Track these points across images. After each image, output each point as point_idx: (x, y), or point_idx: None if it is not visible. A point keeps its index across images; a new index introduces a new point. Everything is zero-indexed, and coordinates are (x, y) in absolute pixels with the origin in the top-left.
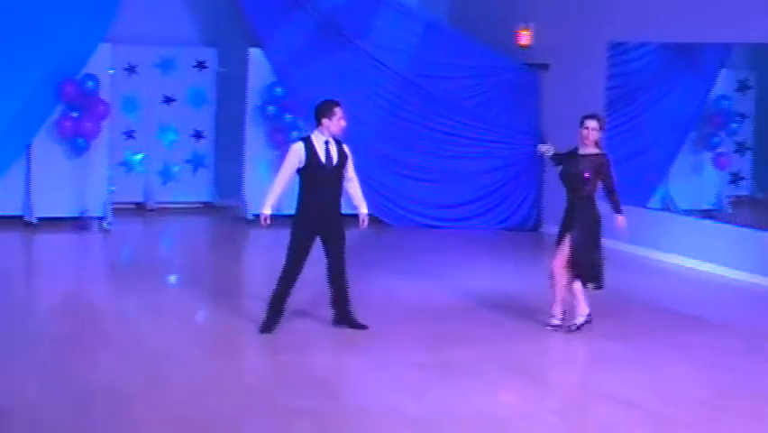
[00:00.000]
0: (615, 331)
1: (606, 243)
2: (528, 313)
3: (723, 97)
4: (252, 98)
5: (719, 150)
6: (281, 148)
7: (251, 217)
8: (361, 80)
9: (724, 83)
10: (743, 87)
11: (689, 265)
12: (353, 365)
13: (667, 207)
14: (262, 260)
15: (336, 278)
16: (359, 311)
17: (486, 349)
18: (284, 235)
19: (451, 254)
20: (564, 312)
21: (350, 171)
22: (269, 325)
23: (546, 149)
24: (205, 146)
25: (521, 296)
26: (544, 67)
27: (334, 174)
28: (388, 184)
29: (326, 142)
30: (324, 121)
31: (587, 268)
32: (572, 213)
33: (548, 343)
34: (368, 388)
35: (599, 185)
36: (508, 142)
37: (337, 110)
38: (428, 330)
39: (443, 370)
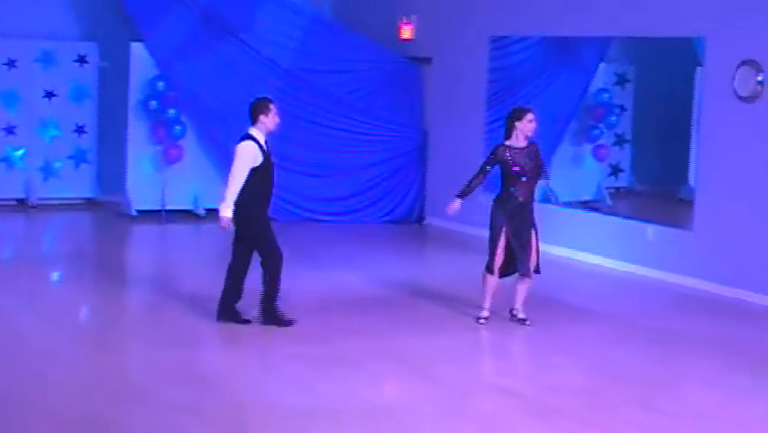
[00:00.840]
0: (499, 322)
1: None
2: (414, 305)
3: (602, 90)
4: (134, 93)
5: (599, 142)
6: (164, 143)
7: (134, 213)
8: (245, 74)
9: (603, 76)
10: (622, 80)
11: (569, 256)
12: (237, 360)
13: (548, 198)
14: (146, 256)
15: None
16: (245, 304)
17: (372, 341)
18: (167, 231)
19: (335, 248)
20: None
21: None
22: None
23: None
24: (87, 141)
25: (406, 288)
26: (427, 60)
27: (273, 170)
28: None
29: (266, 141)
30: (262, 117)
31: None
32: (527, 205)
33: (435, 334)
34: (251, 382)
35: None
36: (392, 136)
37: (272, 107)
38: (314, 323)
39: (329, 362)
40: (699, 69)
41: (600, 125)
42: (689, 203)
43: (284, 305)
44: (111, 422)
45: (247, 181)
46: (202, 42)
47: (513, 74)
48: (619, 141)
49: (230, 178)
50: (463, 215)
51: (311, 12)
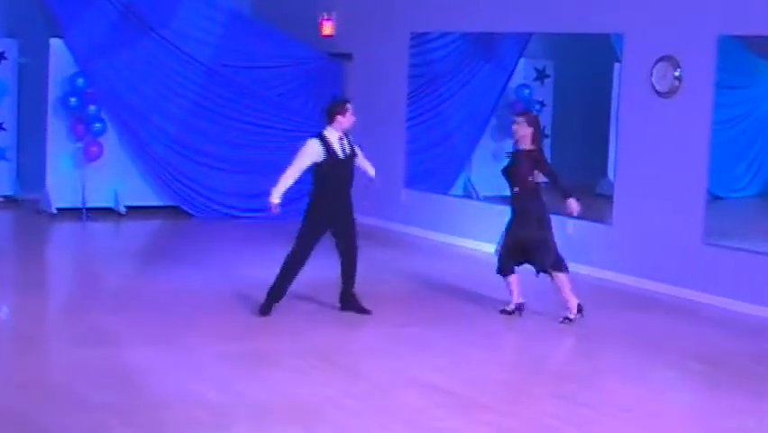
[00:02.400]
0: (420, 317)
1: (415, 231)
2: (336, 302)
3: (523, 86)
4: (54, 90)
5: None
6: (84, 140)
7: (54, 211)
8: (165, 70)
9: (523, 72)
10: (541, 75)
11: (491, 251)
12: (158, 358)
13: (469, 193)
14: (67, 254)
15: (347, 270)
16: (167, 303)
17: (294, 338)
18: (87, 229)
19: (257, 244)
20: None
21: (361, 160)
22: (266, 308)
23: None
24: (6, 138)
25: (328, 286)
26: (348, 56)
27: (350, 168)
28: (191, 175)
29: (340, 138)
30: (339, 117)
31: None
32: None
33: (357, 331)
34: (172, 380)
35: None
36: (312, 132)
37: (349, 106)
38: (236, 320)
39: (250, 359)
40: (617, 64)
41: None
42: (608, 198)
43: (201, 301)
44: (33, 422)
45: (314, 179)
46: (122, 39)
47: (434, 70)
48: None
49: (288, 168)
50: (384, 211)
51: (231, 8)
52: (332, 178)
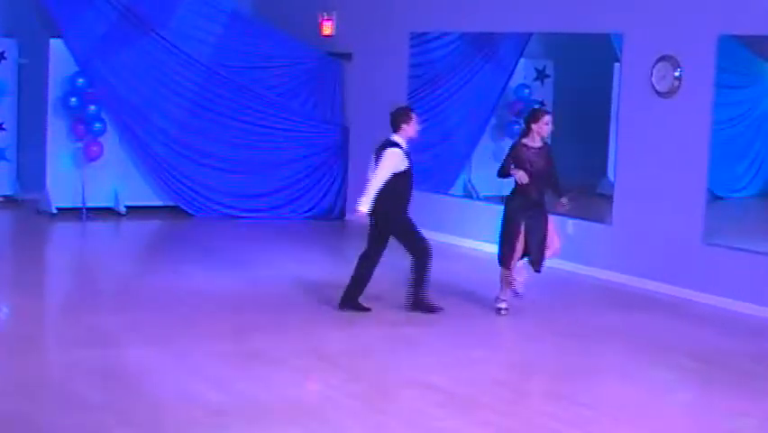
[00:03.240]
0: (419, 317)
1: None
2: (334, 301)
3: (522, 86)
4: (54, 90)
5: None
6: (84, 140)
7: (54, 211)
8: (165, 70)
9: (523, 72)
10: (541, 75)
11: (490, 250)
12: (157, 358)
13: (469, 194)
14: (67, 254)
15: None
16: (166, 303)
17: (293, 338)
18: (87, 229)
19: (257, 244)
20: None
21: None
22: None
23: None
24: (6, 139)
25: (328, 284)
26: (347, 56)
27: (412, 174)
28: (192, 175)
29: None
30: (404, 126)
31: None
32: (540, 200)
33: (355, 331)
34: (171, 379)
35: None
36: (312, 132)
37: (413, 115)
38: (235, 320)
39: (249, 359)
40: (617, 64)
41: (520, 121)
42: (608, 198)
43: (200, 300)
44: (32, 422)
45: (388, 184)
46: (122, 39)
47: (434, 70)
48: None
49: (374, 178)
50: None
51: (231, 8)
52: (405, 186)
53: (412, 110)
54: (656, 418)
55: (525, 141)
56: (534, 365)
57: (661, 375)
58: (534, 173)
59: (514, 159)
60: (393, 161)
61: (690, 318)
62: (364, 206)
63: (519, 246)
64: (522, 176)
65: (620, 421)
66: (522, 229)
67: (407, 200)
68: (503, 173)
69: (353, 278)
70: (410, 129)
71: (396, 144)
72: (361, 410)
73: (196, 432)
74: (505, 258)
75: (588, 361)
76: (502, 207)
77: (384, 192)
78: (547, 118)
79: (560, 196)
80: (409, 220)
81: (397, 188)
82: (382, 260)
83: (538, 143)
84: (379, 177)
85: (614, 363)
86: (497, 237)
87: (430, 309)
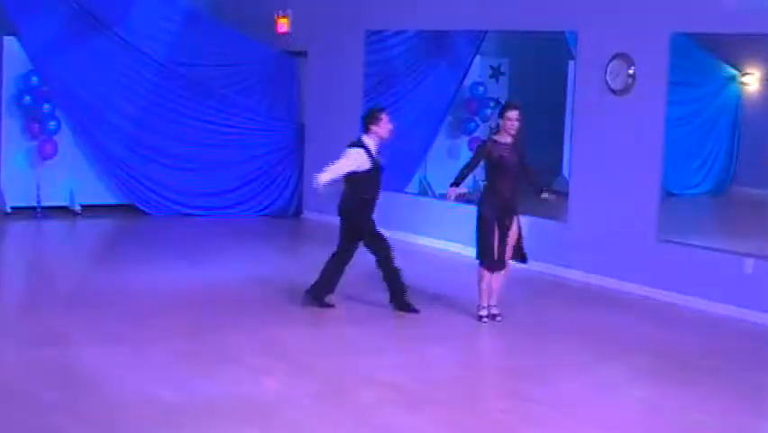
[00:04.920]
0: (375, 315)
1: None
2: (290, 299)
3: (478, 84)
4: (8, 88)
5: (475, 134)
6: (38, 138)
7: (8, 210)
8: (120, 68)
9: (478, 69)
10: (496, 73)
11: (445, 248)
12: (112, 357)
13: (424, 191)
14: (21, 253)
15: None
16: (121, 301)
17: (248, 336)
18: (42, 228)
19: (213, 242)
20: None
21: None
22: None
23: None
24: None
25: (284, 282)
26: (303, 54)
27: (380, 175)
28: (147, 173)
29: (376, 147)
30: (373, 128)
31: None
32: (512, 199)
33: (311, 328)
34: (127, 379)
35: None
36: (268, 130)
37: (383, 116)
38: (192, 319)
39: (205, 358)
40: (571, 62)
41: (476, 118)
42: (563, 195)
43: (154, 299)
44: None
45: (354, 185)
46: (76, 36)
47: (389, 67)
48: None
49: (332, 166)
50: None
51: (186, 5)
52: (371, 184)
53: (382, 110)
54: (612, 414)
55: (495, 136)
56: (489, 363)
57: (614, 371)
58: (506, 170)
59: (485, 155)
60: (349, 160)
61: (645, 315)
62: (320, 178)
63: (497, 245)
64: (450, 195)
65: (576, 418)
66: (496, 226)
67: (372, 200)
68: (466, 171)
69: (321, 275)
70: (380, 130)
71: (361, 145)
72: (317, 409)
73: (152, 431)
74: (485, 256)
75: (542, 358)
76: (476, 208)
77: (348, 191)
78: (512, 113)
79: (539, 190)
80: (372, 221)
81: (359, 188)
82: (358, 260)
83: (508, 139)
84: (333, 169)
85: (568, 360)
86: (474, 239)
87: (407, 308)
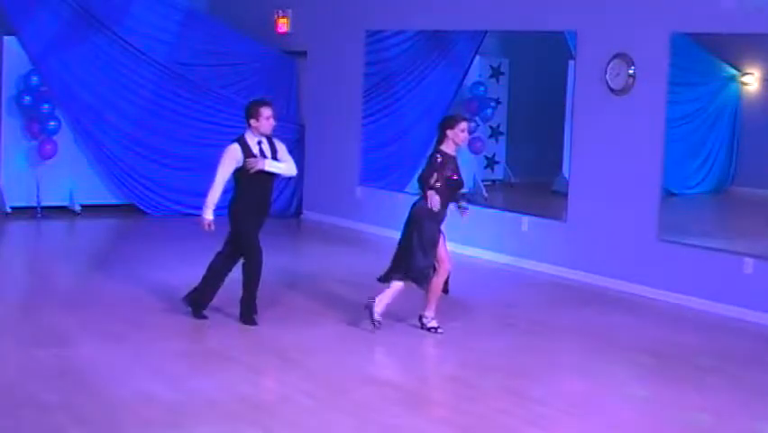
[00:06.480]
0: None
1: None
2: (290, 298)
3: (478, 84)
4: (8, 88)
5: (475, 135)
6: (38, 138)
7: (8, 210)
8: (120, 68)
9: (478, 69)
10: (496, 73)
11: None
12: (112, 356)
13: None
14: (21, 253)
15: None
16: (121, 301)
17: (247, 336)
18: (42, 228)
19: (213, 242)
20: None
21: (284, 156)
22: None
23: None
24: None
25: (283, 282)
26: (303, 54)
27: (269, 173)
28: (147, 173)
29: (259, 142)
30: (252, 122)
31: None
32: (444, 214)
33: (310, 328)
34: (126, 378)
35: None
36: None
37: (263, 110)
38: (190, 319)
39: (204, 357)
40: (571, 62)
41: (476, 118)
42: (562, 195)
43: (155, 299)
44: None
45: (237, 183)
46: (76, 36)
47: (389, 67)
48: (494, 133)
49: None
50: (339, 208)
51: (186, 5)
52: (251, 183)
53: (265, 103)
54: (612, 414)
55: (442, 148)
56: (489, 362)
57: (614, 371)
58: (452, 182)
59: (438, 168)
60: (225, 159)
61: (645, 314)
62: (207, 212)
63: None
64: (435, 202)
65: (575, 417)
66: (439, 236)
67: (258, 199)
68: (424, 184)
69: (203, 282)
70: (260, 125)
71: (238, 140)
72: (316, 408)
73: (151, 431)
74: (427, 269)
75: (542, 357)
76: (407, 215)
77: (236, 190)
78: (463, 125)
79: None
80: (253, 223)
81: (243, 187)
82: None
83: (453, 151)
84: (218, 178)
85: (569, 360)
86: (404, 250)
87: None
